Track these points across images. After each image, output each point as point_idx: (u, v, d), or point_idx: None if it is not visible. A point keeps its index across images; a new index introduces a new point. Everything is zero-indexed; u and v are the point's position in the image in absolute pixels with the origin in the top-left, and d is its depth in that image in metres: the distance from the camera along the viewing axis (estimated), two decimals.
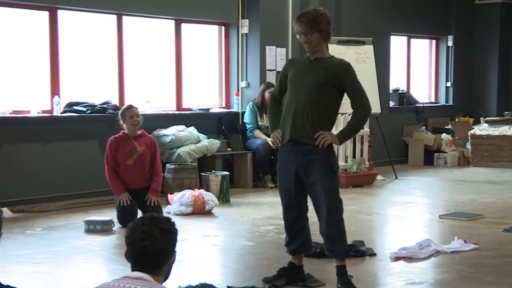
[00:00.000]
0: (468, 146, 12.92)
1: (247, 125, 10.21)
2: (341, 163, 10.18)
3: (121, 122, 7.32)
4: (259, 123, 10.12)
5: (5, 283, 2.81)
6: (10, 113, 8.36)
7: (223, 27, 10.75)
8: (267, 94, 9.79)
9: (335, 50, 10.80)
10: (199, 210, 7.89)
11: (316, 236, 6.39)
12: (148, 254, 2.63)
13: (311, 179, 4.83)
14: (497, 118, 13.39)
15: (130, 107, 7.34)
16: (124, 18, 9.46)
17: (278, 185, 5.11)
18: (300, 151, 4.84)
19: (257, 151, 9.87)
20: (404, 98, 13.29)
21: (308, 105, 4.79)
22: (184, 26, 10.22)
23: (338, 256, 4.93)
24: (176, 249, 2.78)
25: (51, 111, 8.67)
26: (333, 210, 4.82)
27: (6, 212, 7.63)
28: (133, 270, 2.68)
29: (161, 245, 2.65)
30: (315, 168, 4.80)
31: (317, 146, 4.79)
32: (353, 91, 4.84)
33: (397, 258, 5.81)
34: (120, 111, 7.45)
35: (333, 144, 4.86)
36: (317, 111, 4.79)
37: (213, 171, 9.21)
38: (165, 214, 7.33)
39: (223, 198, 8.77)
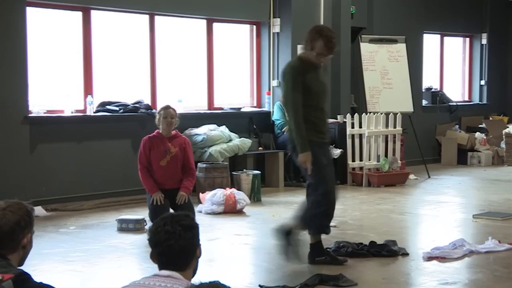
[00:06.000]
0: (503, 145, 12.77)
1: (276, 122, 10.23)
2: (373, 162, 10.14)
3: (156, 120, 7.30)
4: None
5: (38, 280, 2.84)
6: (44, 113, 8.45)
7: (254, 26, 10.75)
8: None
9: (367, 48, 10.78)
10: (231, 209, 7.91)
11: (349, 236, 6.36)
12: (175, 252, 2.68)
13: None
14: None
15: (168, 107, 7.31)
16: (156, 18, 9.51)
17: (327, 174, 5.57)
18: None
19: None
20: (437, 96, 13.18)
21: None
22: (215, 26, 10.25)
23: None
24: (201, 242, 2.81)
25: (84, 111, 8.75)
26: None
27: (40, 210, 7.73)
28: (160, 269, 2.71)
29: (186, 242, 2.70)
30: None
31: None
32: None
33: (430, 258, 5.76)
34: (158, 110, 7.47)
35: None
36: None
37: (244, 170, 9.22)
38: (196, 213, 7.36)
39: (255, 197, 8.77)
